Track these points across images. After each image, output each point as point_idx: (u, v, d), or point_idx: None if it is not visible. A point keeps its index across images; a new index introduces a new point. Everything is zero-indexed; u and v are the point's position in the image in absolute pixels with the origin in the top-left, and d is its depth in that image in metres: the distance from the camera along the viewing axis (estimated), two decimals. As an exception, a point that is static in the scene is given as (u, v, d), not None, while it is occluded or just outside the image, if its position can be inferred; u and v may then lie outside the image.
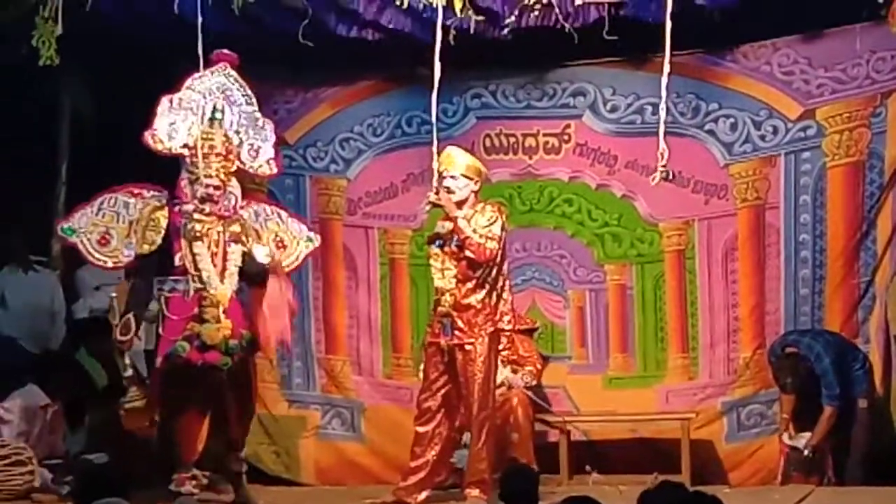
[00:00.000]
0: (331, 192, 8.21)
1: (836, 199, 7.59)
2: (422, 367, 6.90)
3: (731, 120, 7.76)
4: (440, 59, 6.74)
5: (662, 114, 6.44)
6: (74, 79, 7.55)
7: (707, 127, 7.77)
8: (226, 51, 6.80)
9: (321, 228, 7.81)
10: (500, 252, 6.57)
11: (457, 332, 6.55)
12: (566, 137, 8.02)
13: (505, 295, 6.64)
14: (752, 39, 7.68)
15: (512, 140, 8.08)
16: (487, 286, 6.57)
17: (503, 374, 7.47)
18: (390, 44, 7.58)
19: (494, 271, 6.59)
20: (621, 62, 7.85)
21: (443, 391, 6.62)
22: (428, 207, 6.95)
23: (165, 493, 6.38)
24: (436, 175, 6.73)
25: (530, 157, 8.06)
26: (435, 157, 6.75)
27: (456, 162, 6.67)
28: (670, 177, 6.54)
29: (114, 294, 6.71)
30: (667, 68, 6.40)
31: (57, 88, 7.66)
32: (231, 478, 6.79)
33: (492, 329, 6.57)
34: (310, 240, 7.07)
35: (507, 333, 7.09)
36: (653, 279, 7.95)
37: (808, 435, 7.26)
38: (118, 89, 7.53)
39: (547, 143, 8.05)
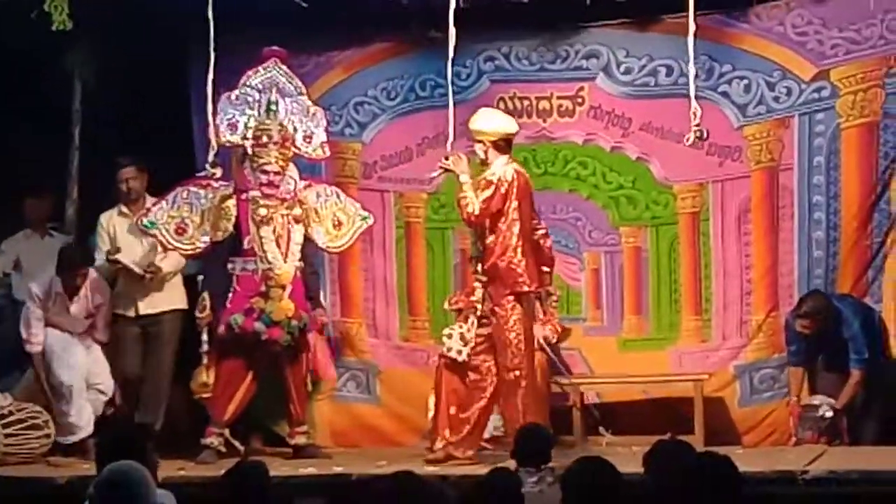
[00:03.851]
0: (346, 155, 8.21)
1: (850, 161, 7.56)
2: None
3: (745, 81, 7.72)
4: (453, 22, 6.74)
5: (692, 74, 6.42)
6: (85, 45, 7.57)
7: (721, 89, 7.73)
8: (275, 47, 7.29)
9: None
10: (499, 218, 6.71)
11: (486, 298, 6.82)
12: (580, 100, 8.00)
13: (518, 258, 6.74)
14: (765, 0, 7.64)
15: (526, 103, 8.06)
16: (499, 250, 6.73)
17: None
18: (404, 6, 7.57)
19: (507, 239, 6.73)
20: (634, 23, 7.82)
21: (483, 352, 6.86)
22: (438, 172, 7.03)
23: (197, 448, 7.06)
24: (450, 139, 6.78)
25: (544, 120, 8.04)
26: (451, 121, 6.79)
27: (470, 128, 6.87)
28: (704, 136, 6.52)
29: (201, 277, 7.39)
30: (692, 27, 6.36)
31: (68, 55, 7.68)
32: (299, 451, 7.29)
33: (508, 292, 6.69)
34: (364, 218, 7.57)
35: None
36: (667, 241, 7.95)
37: (820, 396, 7.27)
38: (128, 55, 7.56)
39: (561, 105, 8.03)
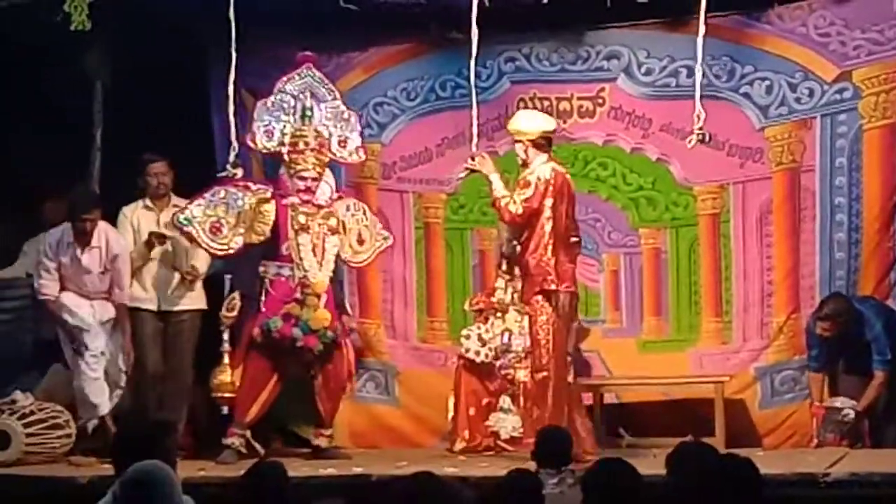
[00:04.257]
0: (365, 156, 8.21)
1: (872, 162, 7.52)
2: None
3: (767, 82, 7.70)
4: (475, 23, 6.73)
5: (698, 76, 6.42)
6: (104, 45, 7.59)
7: (742, 90, 7.72)
8: (308, 52, 7.32)
9: (356, 193, 7.90)
10: (536, 216, 6.68)
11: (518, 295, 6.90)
12: (600, 101, 7.99)
13: (548, 256, 6.70)
14: (787, 1, 7.61)
15: (546, 104, 8.04)
16: (532, 247, 6.71)
17: None
18: (424, 7, 7.58)
19: (539, 237, 6.69)
20: (656, 24, 7.80)
21: None
22: (465, 173, 7.01)
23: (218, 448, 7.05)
24: (474, 140, 6.75)
25: (564, 121, 8.00)
26: (475, 122, 6.76)
27: (509, 129, 6.96)
28: (707, 139, 6.52)
29: (229, 276, 7.29)
30: (702, 29, 6.37)
31: (89, 56, 7.70)
32: (319, 453, 7.28)
33: (537, 290, 6.69)
34: (385, 238, 7.61)
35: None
36: (687, 243, 7.93)
37: (842, 398, 7.24)
38: (147, 56, 7.57)
39: (581, 106, 8.02)
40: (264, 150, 7.32)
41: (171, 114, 7.66)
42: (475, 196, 8.11)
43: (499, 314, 7.60)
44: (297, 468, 6.21)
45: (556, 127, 7.15)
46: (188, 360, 7.66)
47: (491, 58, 7.92)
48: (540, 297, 6.72)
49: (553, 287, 6.73)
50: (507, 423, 7.42)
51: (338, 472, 6.57)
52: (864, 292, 7.47)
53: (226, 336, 7.17)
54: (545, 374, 6.70)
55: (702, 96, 7.17)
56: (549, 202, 6.72)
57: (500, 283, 7.67)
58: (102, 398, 7.14)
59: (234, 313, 7.15)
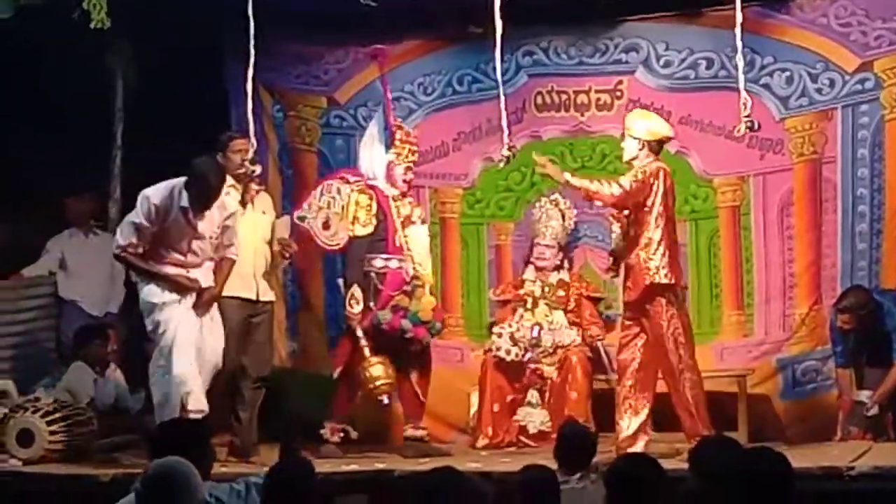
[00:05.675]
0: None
1: (894, 153, 7.49)
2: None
3: (787, 73, 7.67)
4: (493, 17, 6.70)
5: (740, 64, 6.29)
6: (126, 43, 7.59)
7: (762, 81, 7.68)
8: (380, 45, 7.45)
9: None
10: (642, 209, 6.52)
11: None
12: (619, 94, 7.97)
13: (661, 250, 6.53)
14: (808, -9, 7.59)
15: (564, 97, 8.03)
16: (643, 242, 6.54)
17: (570, 334, 7.60)
18: (441, 2, 7.56)
19: (654, 232, 6.52)
20: (675, 16, 7.78)
21: (639, 347, 6.68)
22: (502, 164, 6.80)
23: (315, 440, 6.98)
24: (505, 133, 6.63)
25: (582, 114, 8.01)
26: (503, 113, 6.65)
27: (626, 124, 6.82)
28: (756, 127, 6.41)
29: (341, 279, 7.27)
30: (739, 17, 6.29)
31: (110, 54, 7.71)
32: (416, 443, 7.28)
33: (647, 283, 6.51)
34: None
35: (586, 297, 7.63)
36: (707, 236, 7.90)
37: (866, 391, 7.20)
38: (168, 53, 7.57)
39: (599, 99, 8.00)
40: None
41: (189, 111, 7.66)
42: (492, 191, 8.10)
43: (528, 307, 7.58)
44: (321, 464, 6.20)
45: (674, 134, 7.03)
46: (269, 350, 7.30)
47: (509, 52, 7.85)
48: (656, 299, 6.51)
49: (671, 281, 6.55)
50: (535, 417, 7.44)
51: (360, 468, 6.57)
52: (886, 283, 7.43)
53: (360, 332, 7.08)
54: (680, 367, 6.54)
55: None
56: (659, 199, 6.54)
57: (530, 274, 7.66)
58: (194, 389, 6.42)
59: (360, 307, 7.06)
